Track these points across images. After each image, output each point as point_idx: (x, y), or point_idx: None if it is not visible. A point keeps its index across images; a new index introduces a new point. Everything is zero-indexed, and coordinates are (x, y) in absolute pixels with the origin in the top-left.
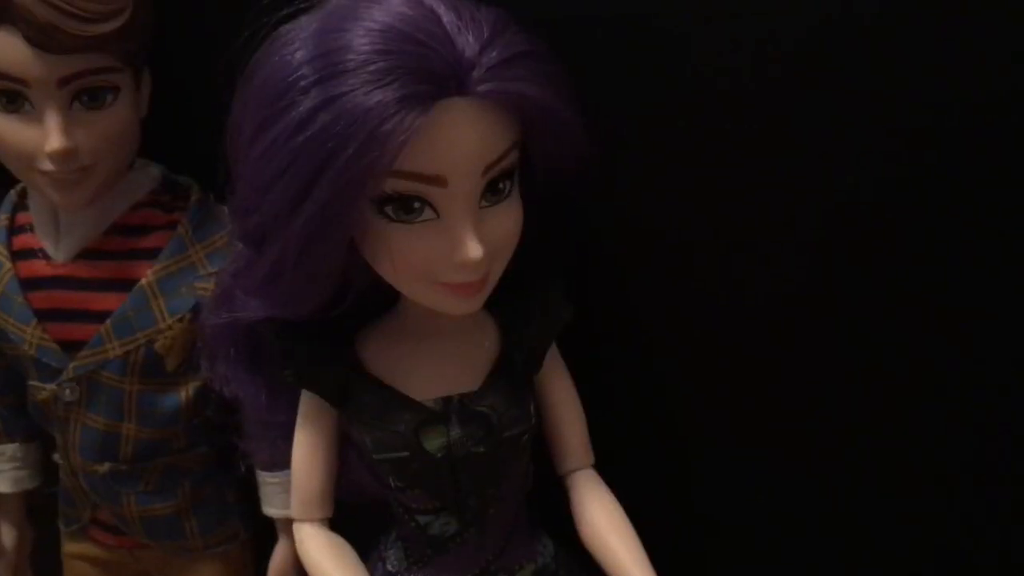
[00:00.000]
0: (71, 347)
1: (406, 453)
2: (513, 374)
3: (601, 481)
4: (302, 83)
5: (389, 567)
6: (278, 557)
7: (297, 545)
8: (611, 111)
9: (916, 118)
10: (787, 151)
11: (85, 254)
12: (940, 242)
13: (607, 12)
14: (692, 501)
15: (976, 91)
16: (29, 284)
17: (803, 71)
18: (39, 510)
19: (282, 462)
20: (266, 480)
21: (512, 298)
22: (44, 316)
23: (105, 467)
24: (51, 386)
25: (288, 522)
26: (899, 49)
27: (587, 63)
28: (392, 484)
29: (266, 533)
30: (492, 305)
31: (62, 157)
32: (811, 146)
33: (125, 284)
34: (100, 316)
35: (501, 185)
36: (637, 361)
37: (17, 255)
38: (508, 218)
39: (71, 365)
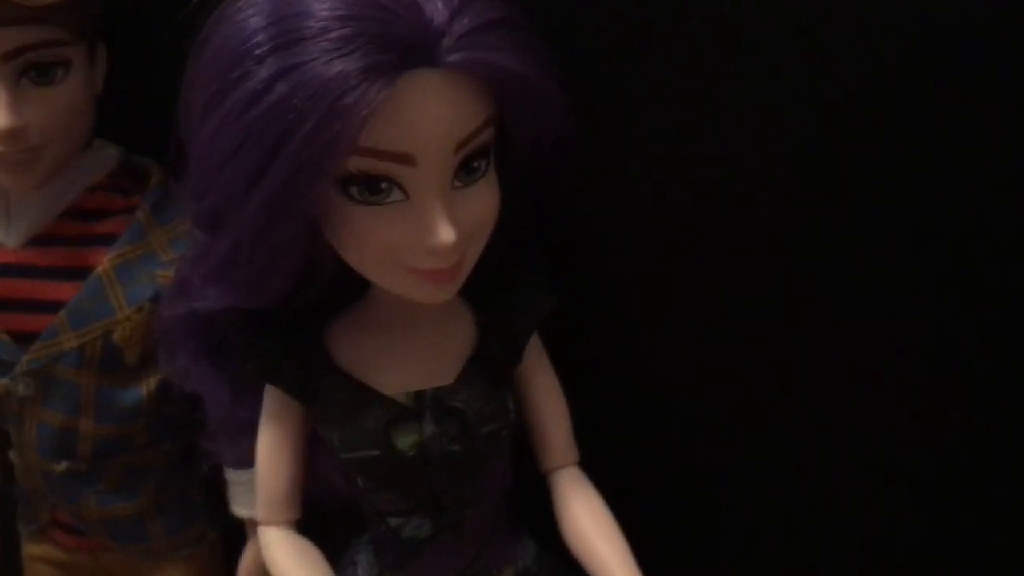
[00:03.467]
0: (24, 339)
1: (376, 452)
2: (491, 367)
3: (586, 479)
4: (256, 51)
5: (360, 572)
6: (248, 559)
7: (263, 550)
8: (591, 83)
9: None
10: (778, 127)
11: (37, 240)
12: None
13: None
14: (682, 500)
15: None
16: None
17: (797, 34)
18: None
19: (249, 460)
20: (234, 479)
21: (490, 286)
22: None
23: (63, 466)
24: (3, 381)
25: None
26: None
27: (565, 31)
28: (362, 484)
29: (235, 534)
30: (469, 293)
31: (10, 136)
32: (805, 118)
33: (80, 272)
34: (54, 306)
35: (475, 164)
36: (625, 353)
37: None
38: (483, 199)
39: (24, 358)
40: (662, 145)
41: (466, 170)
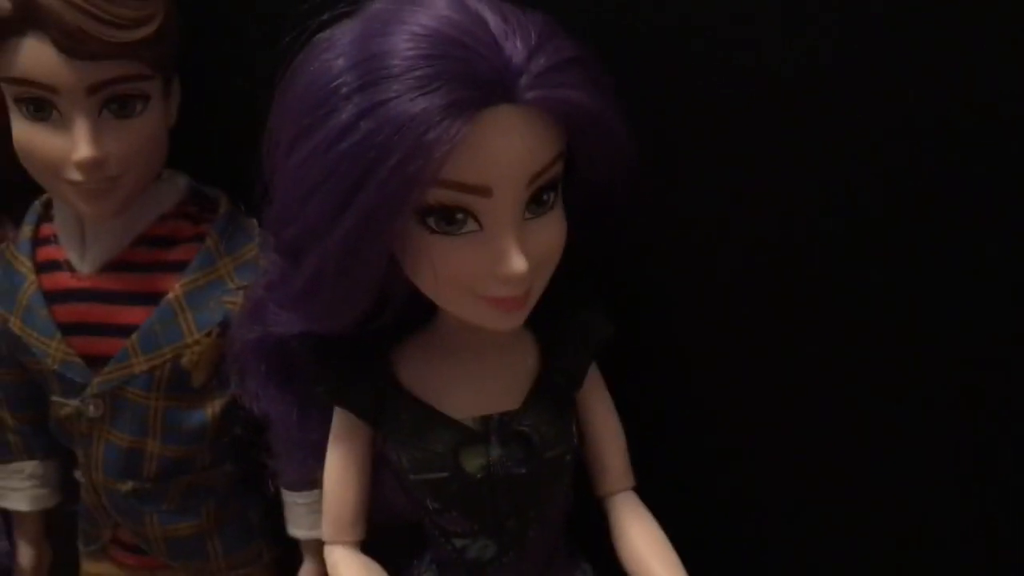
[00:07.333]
0: (95, 362)
1: (445, 474)
2: (555, 393)
3: (642, 504)
4: (344, 90)
5: None
6: None
7: (329, 569)
8: (657, 120)
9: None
10: (847, 160)
11: (111, 266)
12: (958, 245)
13: (654, 19)
14: (736, 524)
15: (979, 92)
16: (53, 297)
17: (850, 74)
18: (58, 529)
19: (310, 482)
20: (293, 500)
21: (553, 314)
22: (68, 330)
23: (128, 485)
24: (74, 402)
25: (314, 544)
26: (913, 51)
27: (634, 69)
28: (429, 506)
29: (290, 554)
30: (532, 321)
31: (90, 166)
32: (865, 152)
33: (151, 297)
34: (126, 330)
35: (545, 196)
36: (681, 379)
37: (41, 267)
38: (552, 230)
39: (95, 380)
40: (722, 180)
41: (537, 202)
